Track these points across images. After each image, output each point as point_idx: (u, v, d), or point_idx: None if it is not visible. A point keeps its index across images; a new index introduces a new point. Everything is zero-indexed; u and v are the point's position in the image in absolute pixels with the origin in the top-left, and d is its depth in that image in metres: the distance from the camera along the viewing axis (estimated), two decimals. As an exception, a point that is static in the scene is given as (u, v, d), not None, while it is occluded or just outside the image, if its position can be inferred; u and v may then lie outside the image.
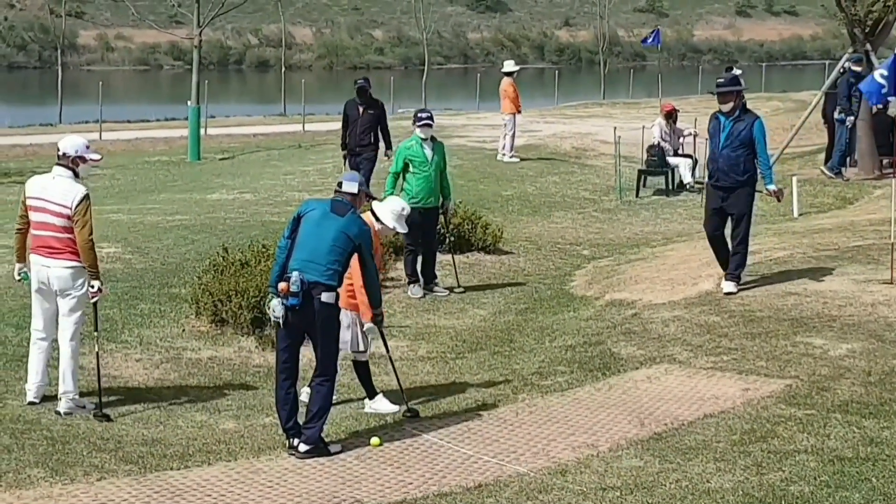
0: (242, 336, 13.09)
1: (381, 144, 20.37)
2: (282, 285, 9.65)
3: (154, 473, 9.30)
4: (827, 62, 66.97)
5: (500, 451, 9.65)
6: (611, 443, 9.66)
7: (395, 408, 10.83)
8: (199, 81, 34.55)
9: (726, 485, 8.50)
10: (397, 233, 11.64)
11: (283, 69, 61.77)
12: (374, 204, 11.09)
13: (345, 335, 10.52)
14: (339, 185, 10.14)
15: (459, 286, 15.97)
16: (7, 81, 76.15)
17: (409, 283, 15.61)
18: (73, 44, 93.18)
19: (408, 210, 11.18)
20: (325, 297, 9.68)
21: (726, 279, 13.69)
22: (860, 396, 10.16)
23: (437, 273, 15.91)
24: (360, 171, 18.16)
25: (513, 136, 28.32)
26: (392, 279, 15.82)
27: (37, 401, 10.74)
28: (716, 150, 13.61)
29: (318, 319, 9.71)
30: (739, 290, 13.55)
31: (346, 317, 10.49)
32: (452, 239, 16.70)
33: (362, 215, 10.27)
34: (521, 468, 9.25)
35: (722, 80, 13.68)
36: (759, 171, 13.65)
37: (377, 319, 10.35)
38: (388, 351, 11.05)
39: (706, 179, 14.23)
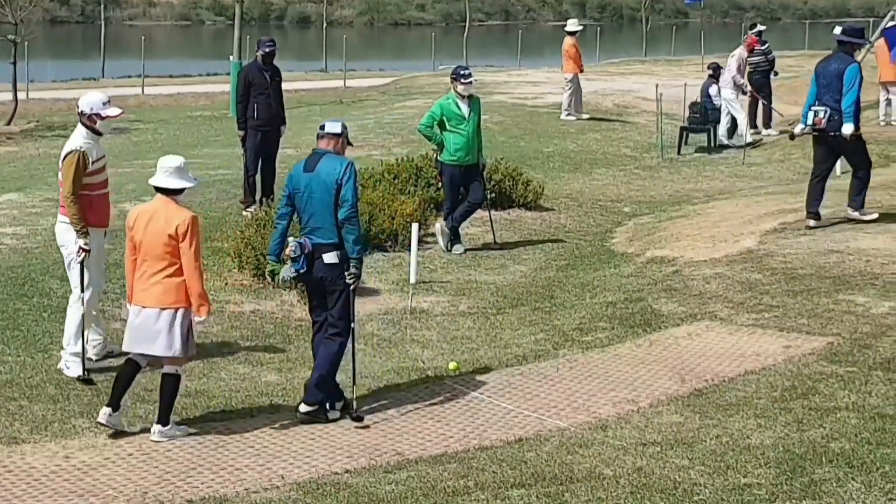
0: (284, 290, 13.11)
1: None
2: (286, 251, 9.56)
3: (197, 425, 9.41)
4: (871, 19, 66.25)
5: (541, 406, 9.69)
6: (651, 398, 9.68)
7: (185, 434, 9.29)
8: (241, 36, 34.58)
9: (767, 441, 8.50)
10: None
11: (325, 25, 61.70)
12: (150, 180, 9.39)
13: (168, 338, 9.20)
14: (322, 127, 9.76)
15: (496, 243, 15.92)
16: (50, 35, 76.32)
17: (450, 241, 15.56)
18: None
19: (180, 161, 9.26)
20: (328, 258, 9.52)
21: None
22: (902, 355, 10.13)
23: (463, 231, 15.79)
24: (269, 155, 17.89)
25: (571, 95, 28.12)
26: (432, 235, 15.82)
27: (94, 359, 10.80)
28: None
29: (324, 280, 9.60)
30: (782, 249, 13.49)
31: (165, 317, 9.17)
32: (493, 195, 16.66)
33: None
34: (561, 423, 9.29)
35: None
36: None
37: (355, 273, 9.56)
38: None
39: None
